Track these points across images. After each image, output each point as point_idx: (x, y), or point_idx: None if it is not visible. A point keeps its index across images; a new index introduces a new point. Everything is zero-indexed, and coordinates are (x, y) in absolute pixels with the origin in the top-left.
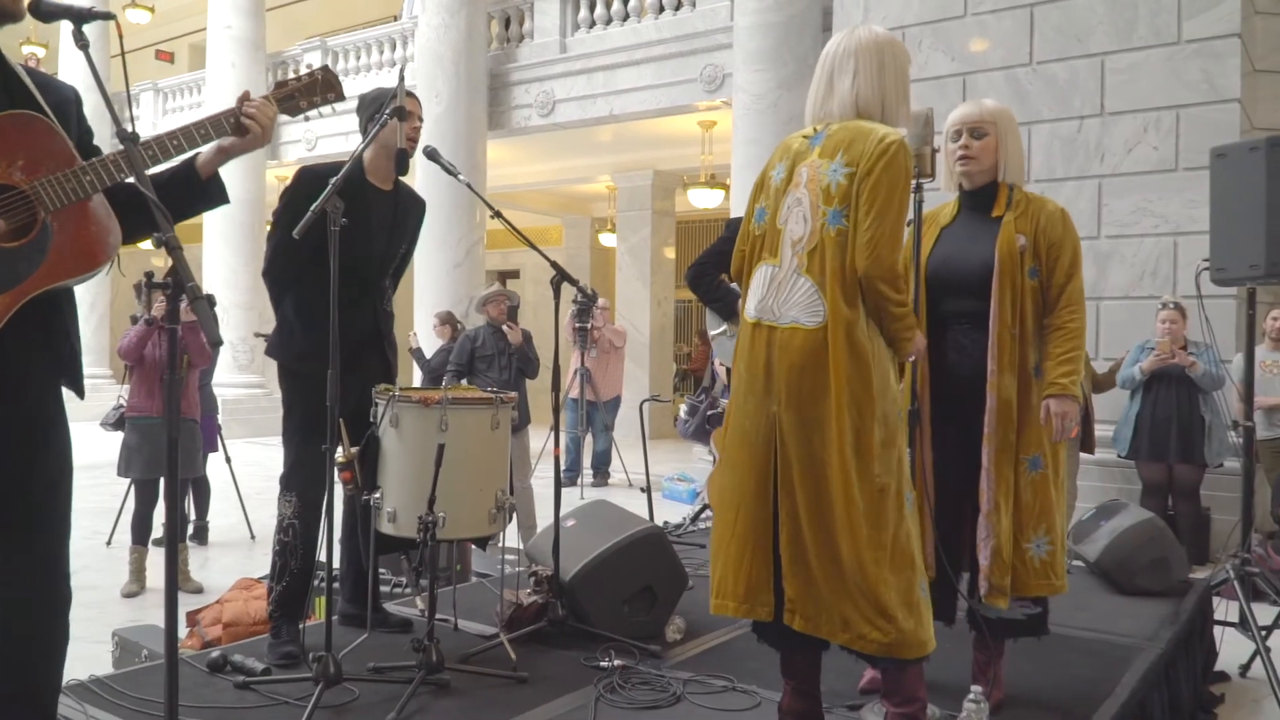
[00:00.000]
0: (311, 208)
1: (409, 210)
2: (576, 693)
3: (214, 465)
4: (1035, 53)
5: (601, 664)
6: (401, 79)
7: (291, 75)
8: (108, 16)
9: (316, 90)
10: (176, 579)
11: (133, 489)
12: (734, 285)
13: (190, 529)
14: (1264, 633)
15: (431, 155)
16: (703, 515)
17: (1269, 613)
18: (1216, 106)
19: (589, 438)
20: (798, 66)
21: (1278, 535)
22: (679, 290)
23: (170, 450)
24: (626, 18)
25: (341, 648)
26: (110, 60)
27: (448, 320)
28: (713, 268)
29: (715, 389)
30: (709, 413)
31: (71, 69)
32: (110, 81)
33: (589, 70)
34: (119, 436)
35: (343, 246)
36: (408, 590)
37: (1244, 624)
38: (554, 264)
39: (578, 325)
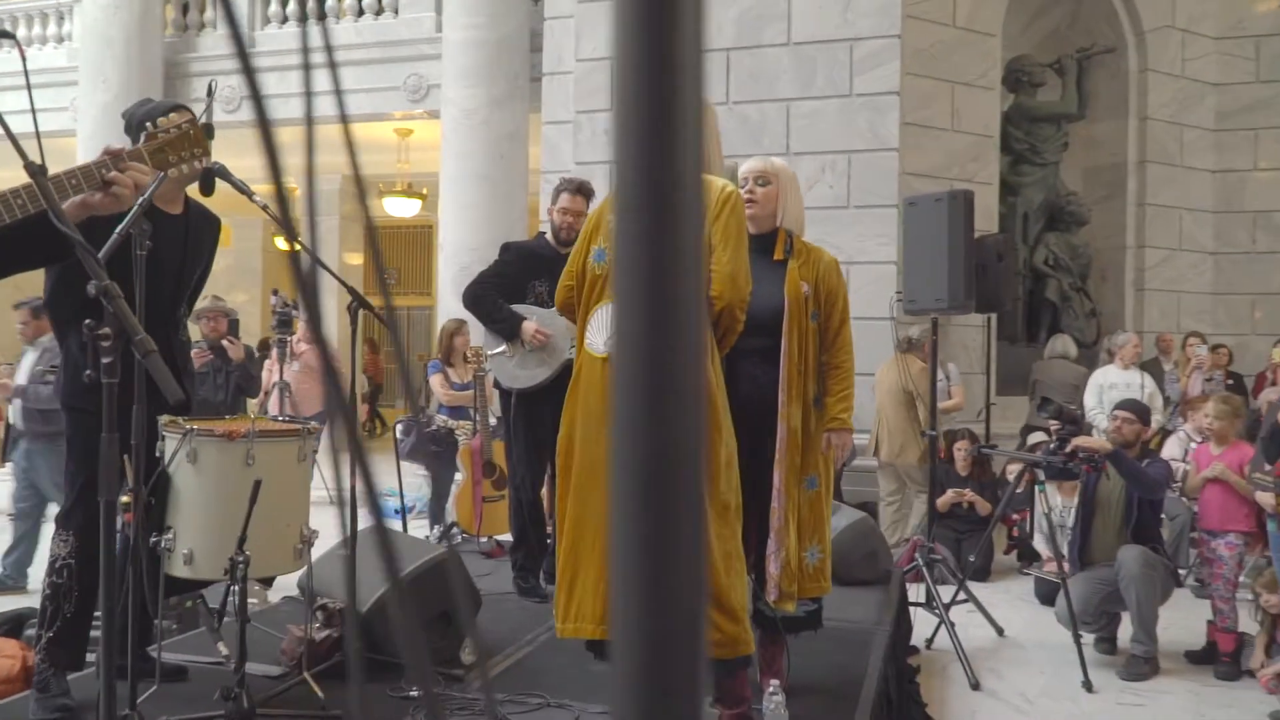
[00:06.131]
0: (117, 230)
1: (203, 231)
2: None
3: None
4: (731, 93)
5: (411, 694)
6: (210, 93)
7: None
8: None
9: (186, 145)
10: None
11: None
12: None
13: None
14: (945, 609)
15: (220, 173)
16: (451, 532)
17: (943, 593)
18: (880, 153)
19: None
20: (509, 85)
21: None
22: (376, 296)
23: None
24: (323, 16)
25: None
26: None
27: None
28: (493, 289)
29: (431, 406)
30: (426, 430)
31: None
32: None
33: (281, 68)
34: None
35: (130, 277)
36: (177, 633)
37: (929, 603)
38: (350, 289)
39: (278, 336)
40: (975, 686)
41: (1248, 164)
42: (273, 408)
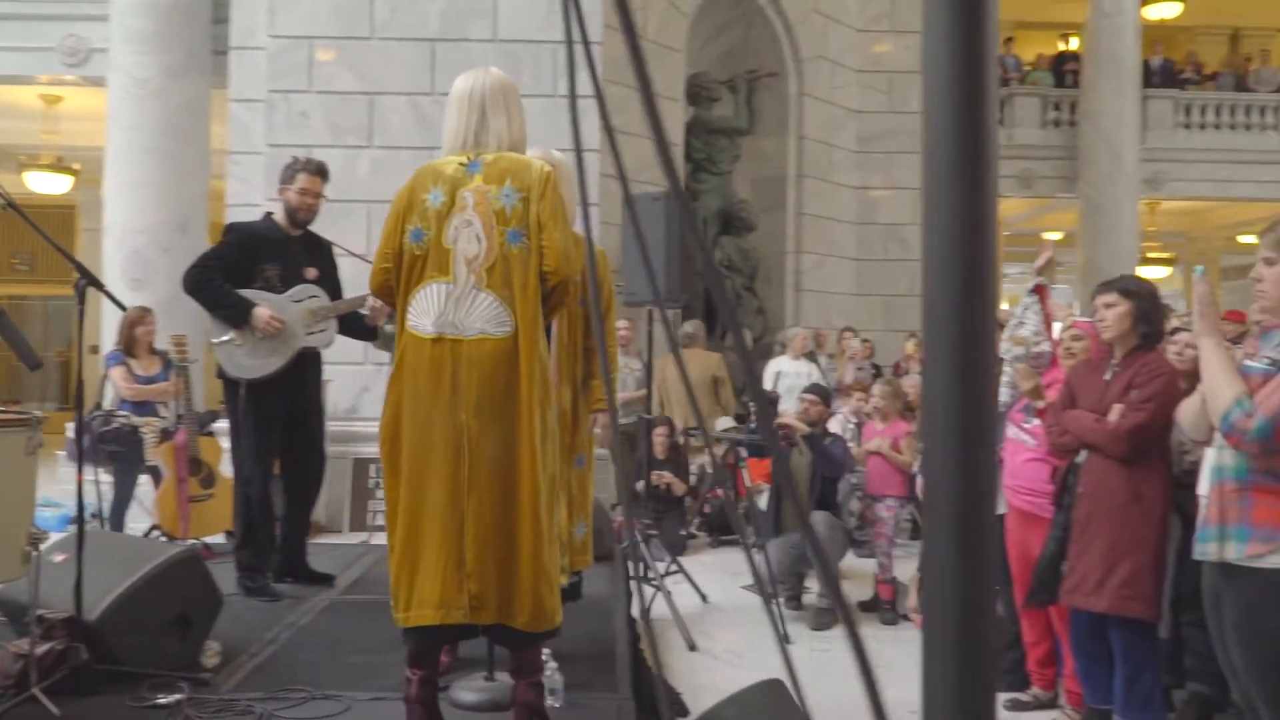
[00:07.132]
0: None
1: None
2: None
3: None
4: (436, 84)
5: (159, 701)
6: None
7: None
8: None
9: None
10: None
11: None
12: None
13: None
14: (660, 580)
15: None
16: (152, 534)
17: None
18: (582, 153)
19: None
20: (186, 55)
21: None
22: (4, 285)
23: None
24: None
25: None
26: None
27: None
28: (217, 273)
29: (107, 402)
30: (101, 430)
31: None
32: None
33: None
34: None
35: None
36: None
37: (645, 578)
38: (80, 266)
39: None
40: (692, 647)
41: (882, 183)
42: None
